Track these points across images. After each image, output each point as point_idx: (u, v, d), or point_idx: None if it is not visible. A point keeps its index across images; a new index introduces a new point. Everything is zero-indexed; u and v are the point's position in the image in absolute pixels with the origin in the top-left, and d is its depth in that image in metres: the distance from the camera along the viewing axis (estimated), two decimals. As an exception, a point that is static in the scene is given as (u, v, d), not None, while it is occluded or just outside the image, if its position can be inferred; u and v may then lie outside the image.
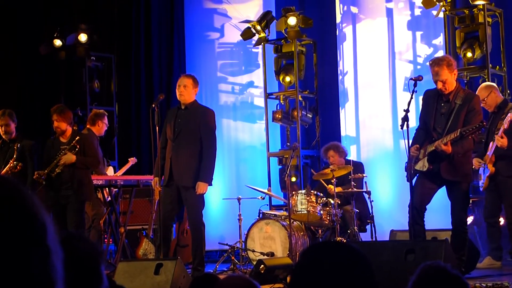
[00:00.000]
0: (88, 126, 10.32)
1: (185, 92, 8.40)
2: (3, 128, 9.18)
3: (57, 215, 8.49)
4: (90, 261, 2.25)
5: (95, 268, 2.27)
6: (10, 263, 0.97)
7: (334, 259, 2.17)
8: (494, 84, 8.96)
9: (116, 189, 10.01)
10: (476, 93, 8.73)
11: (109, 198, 10.02)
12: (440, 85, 7.50)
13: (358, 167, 10.00)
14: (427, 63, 8.28)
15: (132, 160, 11.07)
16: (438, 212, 8.38)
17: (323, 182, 10.01)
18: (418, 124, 7.92)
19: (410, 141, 7.53)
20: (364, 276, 2.18)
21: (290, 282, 2.24)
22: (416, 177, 7.67)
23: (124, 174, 10.76)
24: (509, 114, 8.34)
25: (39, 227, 1.02)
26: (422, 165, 7.59)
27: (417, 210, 7.53)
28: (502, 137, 8.34)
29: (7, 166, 8.90)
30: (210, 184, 8.45)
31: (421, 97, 8.10)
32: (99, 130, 10.26)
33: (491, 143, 8.58)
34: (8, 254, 0.97)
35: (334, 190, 9.54)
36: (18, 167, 8.83)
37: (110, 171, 10.64)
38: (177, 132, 8.37)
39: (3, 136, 9.22)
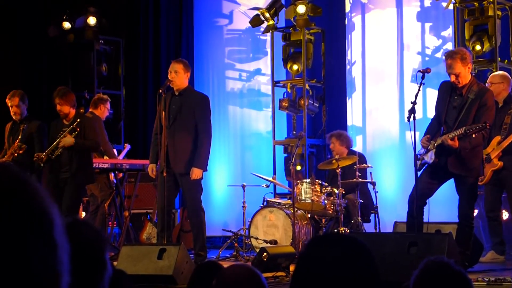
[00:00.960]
0: (91, 110, 10.30)
1: (177, 77, 8.38)
2: (13, 108, 9.18)
3: (57, 198, 8.43)
4: (95, 248, 2.24)
5: (100, 255, 2.26)
6: (16, 257, 0.96)
7: (338, 251, 2.17)
8: (509, 77, 8.90)
9: (122, 173, 10.02)
10: (490, 77, 8.73)
11: (115, 182, 10.04)
12: (453, 78, 7.46)
13: (361, 157, 9.98)
14: (436, 55, 8.28)
15: (126, 146, 11.09)
16: (443, 205, 8.38)
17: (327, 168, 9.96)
18: (434, 115, 7.87)
19: (417, 133, 7.52)
20: (368, 268, 2.17)
21: (293, 273, 2.23)
22: (423, 168, 7.65)
23: (128, 157, 10.77)
24: None
25: (46, 221, 1.01)
26: (429, 157, 7.58)
27: (417, 202, 7.49)
28: None
29: (11, 147, 8.89)
30: (205, 170, 8.45)
31: (428, 90, 8.09)
32: (101, 114, 10.23)
33: (496, 137, 8.57)
34: (14, 248, 0.96)
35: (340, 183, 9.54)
36: (22, 149, 8.81)
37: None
38: (172, 119, 8.36)
39: (13, 117, 9.23)
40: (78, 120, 8.56)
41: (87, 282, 2.18)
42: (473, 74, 9.91)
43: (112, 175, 9.97)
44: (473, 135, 7.22)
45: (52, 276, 0.99)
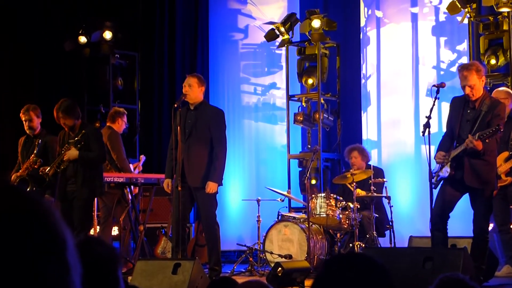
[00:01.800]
0: (108, 124, 10.31)
1: (190, 91, 8.40)
2: (27, 123, 9.17)
3: (65, 211, 8.36)
4: (108, 265, 2.25)
5: (112, 272, 2.27)
6: (30, 279, 0.96)
7: (355, 271, 2.17)
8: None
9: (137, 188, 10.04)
10: (494, 93, 8.74)
11: (130, 196, 10.04)
12: (468, 90, 7.46)
13: (378, 172, 9.98)
14: (452, 69, 8.28)
15: (142, 157, 11.10)
16: (459, 219, 8.34)
17: (349, 186, 9.93)
18: (445, 131, 7.87)
19: (432, 147, 7.52)
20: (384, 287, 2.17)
21: None
22: (440, 184, 7.65)
23: (143, 171, 10.77)
24: None
25: (59, 243, 1.01)
26: (445, 171, 7.57)
27: (439, 217, 7.50)
28: None
29: (27, 162, 8.89)
30: (221, 184, 8.45)
31: (443, 104, 8.08)
32: (119, 128, 10.25)
33: (503, 153, 8.57)
34: (28, 270, 0.96)
35: (354, 192, 9.51)
36: (38, 163, 8.80)
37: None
38: (188, 133, 8.38)
39: (27, 131, 9.21)
40: (83, 131, 8.46)
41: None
42: (488, 89, 9.94)
43: (127, 190, 9.98)
44: (487, 140, 7.23)
45: None
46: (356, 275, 2.15)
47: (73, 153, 8.40)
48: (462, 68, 7.61)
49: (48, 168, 8.50)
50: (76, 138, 8.39)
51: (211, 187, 8.28)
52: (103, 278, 2.21)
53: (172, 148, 8.55)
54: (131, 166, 10.53)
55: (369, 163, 10.26)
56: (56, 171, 8.48)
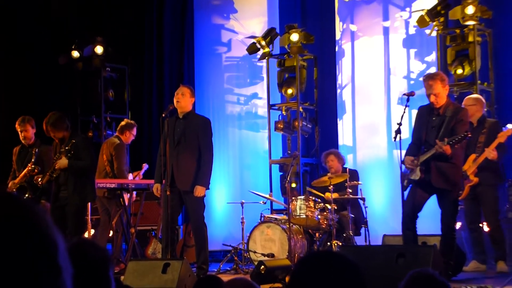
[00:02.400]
0: (117, 134, 10.33)
1: (182, 99, 8.41)
2: (22, 133, 9.13)
3: (58, 216, 8.36)
4: (100, 266, 2.26)
5: (104, 273, 2.28)
6: (25, 282, 0.97)
7: (328, 267, 2.18)
8: (482, 100, 8.97)
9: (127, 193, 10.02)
10: (465, 100, 8.81)
11: (127, 201, 10.03)
12: (433, 98, 7.54)
13: (354, 174, 10.01)
14: (421, 78, 8.32)
15: (144, 166, 11.07)
16: (429, 218, 8.38)
17: (316, 192, 9.97)
18: (412, 137, 7.92)
19: (403, 152, 7.57)
20: (356, 283, 2.18)
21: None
22: (410, 186, 7.70)
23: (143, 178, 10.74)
24: (508, 129, 8.41)
25: (51, 247, 1.02)
26: (415, 174, 7.61)
27: (409, 217, 7.56)
28: (493, 150, 8.42)
29: (25, 170, 8.87)
30: (208, 188, 8.46)
31: (413, 111, 8.12)
32: (126, 139, 10.25)
33: (471, 156, 8.62)
34: (21, 274, 0.98)
35: (332, 196, 9.54)
36: (35, 170, 8.79)
37: (130, 177, 10.56)
38: (177, 141, 8.38)
39: (22, 141, 9.17)
40: (73, 141, 8.42)
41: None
42: (454, 97, 10.00)
43: (127, 196, 9.96)
44: (455, 146, 7.29)
45: None
46: (328, 271, 2.17)
47: (63, 162, 8.38)
48: (428, 77, 7.69)
49: (41, 177, 8.50)
50: (66, 148, 8.36)
51: (199, 191, 8.29)
52: (95, 279, 2.22)
53: (161, 155, 8.54)
54: (131, 175, 10.52)
55: (345, 166, 10.29)
56: (50, 179, 8.47)
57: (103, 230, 9.92)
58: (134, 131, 10.37)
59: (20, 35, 13.01)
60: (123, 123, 10.48)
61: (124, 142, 10.19)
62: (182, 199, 8.44)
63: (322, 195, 9.81)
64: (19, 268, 0.97)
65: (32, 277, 0.98)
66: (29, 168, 8.83)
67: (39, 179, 8.51)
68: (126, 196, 9.94)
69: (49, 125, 8.42)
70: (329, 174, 9.85)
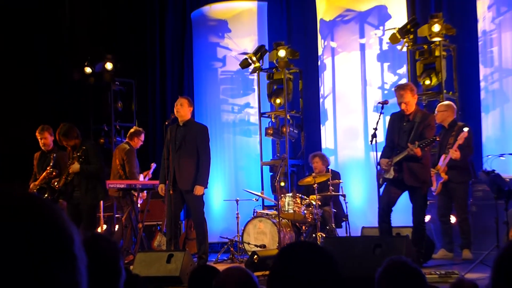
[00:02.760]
0: (127, 140, 10.36)
1: (181, 109, 8.44)
2: (42, 141, 9.14)
3: (72, 213, 8.38)
4: (111, 257, 2.26)
5: (116, 263, 2.28)
6: (42, 271, 0.98)
7: (305, 256, 2.19)
8: (453, 106, 9.00)
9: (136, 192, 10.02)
10: (438, 106, 8.84)
11: (139, 200, 10.05)
12: (403, 106, 7.57)
13: (336, 175, 10.02)
14: (393, 89, 8.34)
15: (153, 165, 11.07)
16: (401, 212, 8.39)
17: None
18: (386, 141, 7.93)
19: (378, 153, 7.59)
20: (330, 270, 2.18)
21: (269, 274, 2.24)
22: (384, 184, 7.72)
23: (152, 178, 10.71)
24: (464, 132, 8.41)
25: (67, 239, 1.03)
26: (389, 173, 7.63)
27: (384, 211, 7.57)
28: (456, 151, 8.43)
29: (44, 173, 8.87)
30: (206, 187, 8.46)
31: (387, 117, 8.12)
32: (135, 145, 10.28)
33: (443, 155, 8.63)
34: (40, 263, 0.98)
35: (316, 196, 9.55)
36: (53, 173, 8.79)
37: (140, 178, 10.55)
38: (178, 146, 8.39)
39: (42, 148, 9.18)
40: (83, 148, 8.41)
41: (106, 286, 2.19)
42: (423, 105, 10.03)
43: (137, 195, 9.97)
44: (425, 149, 7.33)
45: (73, 285, 1.01)
46: (306, 258, 2.17)
47: (75, 166, 8.40)
48: (399, 88, 7.71)
49: (58, 180, 8.50)
50: (78, 154, 8.37)
51: (198, 190, 8.29)
52: (108, 268, 2.22)
53: (164, 158, 8.55)
54: (141, 176, 10.52)
55: (329, 167, 10.29)
56: (65, 182, 8.48)
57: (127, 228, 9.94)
58: (142, 137, 10.39)
59: (40, 55, 13.04)
60: (132, 130, 10.48)
61: (133, 147, 10.21)
62: (184, 197, 8.44)
63: (308, 198, 9.76)
64: (40, 257, 0.98)
65: (51, 265, 0.99)
66: (48, 171, 8.83)
67: (56, 183, 8.52)
68: (136, 196, 9.96)
69: (61, 135, 8.43)
70: (313, 174, 9.86)
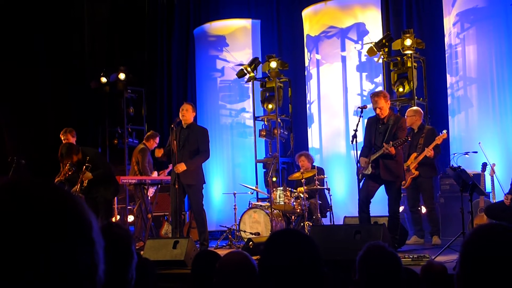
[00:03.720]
0: (144, 141, 10.40)
1: (186, 114, 8.42)
2: (64, 142, 9.11)
3: (90, 206, 8.29)
4: (124, 242, 2.25)
5: (129, 247, 2.27)
6: (64, 253, 0.97)
7: (290, 241, 2.19)
8: (420, 111, 9.03)
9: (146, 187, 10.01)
10: (407, 111, 8.86)
11: (150, 194, 10.03)
12: (378, 111, 7.58)
13: (320, 170, 10.02)
14: (368, 96, 8.34)
15: (170, 166, 11.06)
16: (378, 203, 8.40)
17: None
18: (364, 142, 7.94)
19: (358, 152, 7.60)
20: (309, 251, 2.19)
21: (260, 259, 2.24)
22: (363, 179, 7.72)
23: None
24: (443, 134, 8.48)
25: (86, 224, 1.02)
26: (367, 170, 7.63)
27: (364, 202, 7.56)
28: (431, 150, 8.48)
29: (64, 169, 8.84)
30: (204, 182, 8.45)
31: (366, 120, 8.12)
32: (150, 146, 10.31)
33: (413, 154, 8.68)
34: (62, 246, 0.97)
35: (304, 190, 9.55)
36: (71, 170, 8.74)
37: (154, 174, 10.52)
38: (181, 145, 8.38)
39: None
40: (87, 158, 8.29)
41: (120, 267, 2.19)
42: (397, 110, 10.04)
43: (152, 189, 9.97)
44: (399, 148, 7.35)
45: (92, 266, 1.01)
46: (290, 243, 2.18)
47: (88, 176, 8.33)
48: (373, 95, 7.72)
49: (75, 188, 8.41)
50: (86, 165, 8.26)
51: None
52: (121, 252, 2.21)
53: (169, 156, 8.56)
54: (156, 173, 10.49)
55: (314, 164, 10.30)
56: (82, 187, 8.39)
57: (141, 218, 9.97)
58: (157, 140, 10.42)
59: (64, 67, 13.06)
60: (149, 133, 10.56)
61: (148, 148, 10.23)
62: (185, 191, 8.42)
63: (296, 191, 9.76)
64: (62, 241, 0.97)
65: (72, 248, 0.98)
66: (67, 168, 8.78)
67: (77, 191, 8.42)
68: (151, 189, 9.97)
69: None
70: (301, 170, 9.85)
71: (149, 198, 10.01)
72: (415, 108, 9.15)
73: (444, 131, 8.61)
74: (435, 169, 8.80)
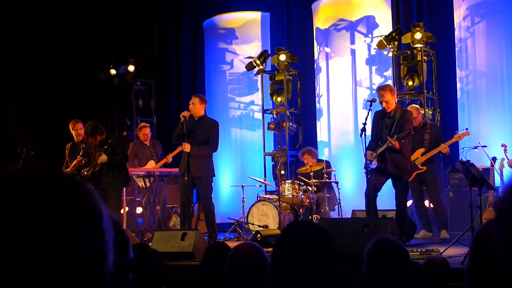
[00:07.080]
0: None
1: (194, 107, 8.42)
2: (76, 132, 9.19)
3: (100, 196, 8.32)
4: (118, 227, 2.25)
5: (122, 232, 2.27)
6: (75, 242, 0.97)
7: (305, 233, 2.17)
8: (418, 107, 9.10)
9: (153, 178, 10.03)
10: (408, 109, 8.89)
11: (148, 184, 10.02)
12: (384, 105, 7.56)
13: (327, 163, 9.98)
14: (374, 91, 8.33)
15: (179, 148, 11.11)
16: (386, 197, 8.39)
17: (303, 178, 9.96)
18: (371, 136, 7.92)
19: (366, 146, 7.58)
20: (326, 246, 2.17)
21: (273, 250, 2.23)
22: (371, 173, 7.70)
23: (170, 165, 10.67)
24: (466, 131, 8.52)
25: (96, 214, 1.02)
26: (374, 164, 7.62)
27: (371, 196, 7.55)
28: (447, 147, 8.56)
29: (75, 160, 8.87)
30: (214, 175, 8.47)
31: (374, 114, 8.10)
32: (142, 138, 10.38)
33: (419, 149, 8.69)
34: (73, 235, 0.97)
35: (312, 180, 9.54)
36: (83, 161, 8.78)
37: (151, 165, 10.52)
38: (193, 137, 8.39)
39: (75, 138, 9.22)
40: (109, 141, 8.36)
41: (121, 251, 2.19)
42: (406, 103, 10.01)
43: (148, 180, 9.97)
44: (402, 141, 7.33)
45: (102, 255, 1.01)
46: (305, 235, 2.16)
47: (103, 158, 8.36)
48: (380, 89, 7.70)
49: (87, 170, 8.46)
50: (105, 147, 8.33)
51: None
52: (119, 237, 2.20)
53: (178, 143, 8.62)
54: (152, 163, 10.51)
55: (321, 157, 10.26)
56: (93, 171, 8.45)
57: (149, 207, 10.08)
58: (145, 131, 10.47)
59: (75, 60, 13.09)
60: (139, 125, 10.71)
61: (142, 139, 10.45)
62: (195, 182, 8.42)
63: (307, 180, 9.77)
64: (72, 230, 0.97)
65: (83, 237, 0.98)
66: (78, 159, 8.82)
67: (85, 172, 8.48)
68: (147, 180, 9.99)
69: (88, 135, 8.33)
70: (310, 163, 9.81)
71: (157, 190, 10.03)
72: (414, 106, 9.13)
73: (467, 130, 8.65)
74: (439, 165, 8.85)
